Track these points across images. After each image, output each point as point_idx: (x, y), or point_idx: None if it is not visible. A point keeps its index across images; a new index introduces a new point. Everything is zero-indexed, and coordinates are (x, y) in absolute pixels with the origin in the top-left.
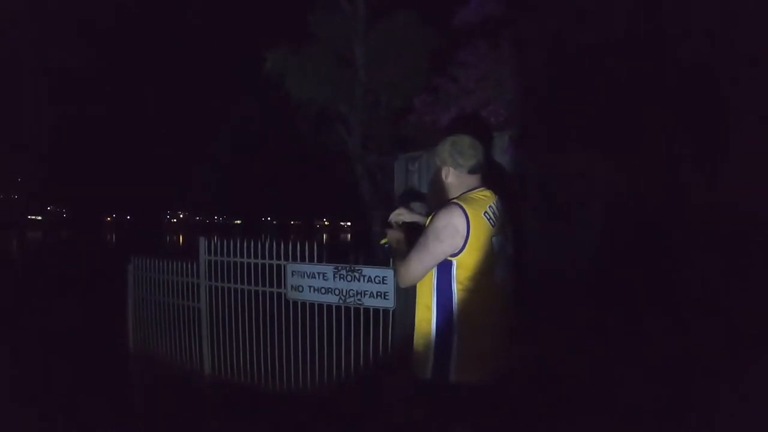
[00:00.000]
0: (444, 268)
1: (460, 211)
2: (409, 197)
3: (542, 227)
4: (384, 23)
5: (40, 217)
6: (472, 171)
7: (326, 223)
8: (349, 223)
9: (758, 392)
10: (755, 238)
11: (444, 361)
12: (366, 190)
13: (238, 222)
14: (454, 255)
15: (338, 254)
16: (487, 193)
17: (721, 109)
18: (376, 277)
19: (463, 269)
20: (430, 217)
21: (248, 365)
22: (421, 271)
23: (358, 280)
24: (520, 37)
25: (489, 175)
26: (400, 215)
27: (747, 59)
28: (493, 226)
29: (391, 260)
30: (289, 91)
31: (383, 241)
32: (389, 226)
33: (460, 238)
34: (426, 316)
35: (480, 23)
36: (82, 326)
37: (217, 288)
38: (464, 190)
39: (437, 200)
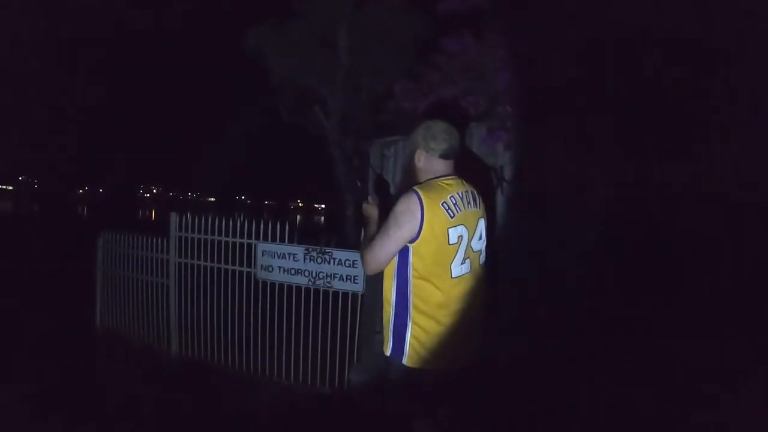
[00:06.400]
0: (402, 255)
1: (416, 197)
2: (378, 185)
3: (517, 220)
4: (370, 6)
5: (11, 187)
6: (443, 156)
7: (300, 204)
8: (323, 206)
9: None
10: (739, 231)
11: (399, 346)
12: (342, 173)
13: (212, 199)
14: (411, 241)
15: (310, 236)
16: (452, 181)
17: (704, 101)
18: (346, 260)
19: (417, 257)
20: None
21: (215, 344)
22: (384, 257)
23: (329, 263)
24: (504, 28)
25: (465, 165)
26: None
27: (734, 48)
28: (451, 218)
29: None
30: (269, 70)
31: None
32: (366, 200)
33: (416, 223)
34: (387, 301)
35: (467, 13)
36: (49, 301)
37: (187, 265)
38: (431, 176)
39: (405, 184)
